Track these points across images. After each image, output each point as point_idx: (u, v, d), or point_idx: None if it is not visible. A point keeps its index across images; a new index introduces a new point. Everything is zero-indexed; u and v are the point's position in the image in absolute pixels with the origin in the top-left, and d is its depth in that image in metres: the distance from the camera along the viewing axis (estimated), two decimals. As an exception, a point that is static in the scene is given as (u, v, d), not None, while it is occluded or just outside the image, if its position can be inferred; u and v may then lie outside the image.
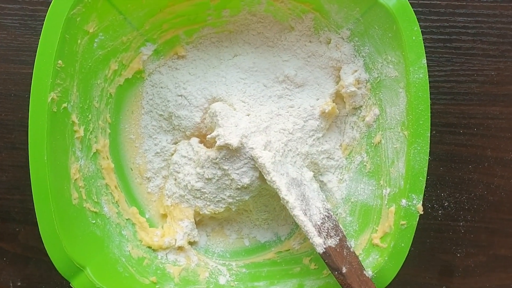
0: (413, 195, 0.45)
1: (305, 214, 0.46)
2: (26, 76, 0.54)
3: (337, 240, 0.46)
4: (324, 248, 0.45)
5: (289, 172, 0.48)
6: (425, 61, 0.45)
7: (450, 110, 0.56)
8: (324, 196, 0.50)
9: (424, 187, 0.45)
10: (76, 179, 0.47)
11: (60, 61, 0.43)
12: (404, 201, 0.45)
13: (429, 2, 0.54)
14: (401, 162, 0.46)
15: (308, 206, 0.47)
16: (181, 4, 0.51)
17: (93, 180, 0.50)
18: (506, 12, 0.55)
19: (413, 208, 0.45)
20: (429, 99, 0.45)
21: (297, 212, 0.46)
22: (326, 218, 0.47)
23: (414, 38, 0.45)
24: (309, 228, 0.45)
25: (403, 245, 0.45)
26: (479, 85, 0.55)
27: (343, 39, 0.51)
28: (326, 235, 0.46)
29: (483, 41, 0.55)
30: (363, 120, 0.52)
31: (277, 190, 0.46)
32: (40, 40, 0.43)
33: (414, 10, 0.45)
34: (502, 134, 0.56)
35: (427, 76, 0.45)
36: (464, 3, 0.54)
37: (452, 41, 0.55)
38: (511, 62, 0.55)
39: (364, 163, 0.51)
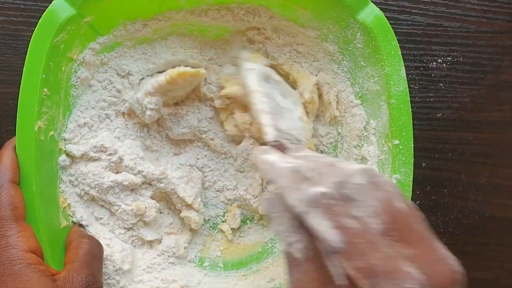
0: None
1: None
2: (5, 95, 0.53)
3: None
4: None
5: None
6: (405, 74, 0.46)
7: (426, 136, 0.57)
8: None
9: (410, 198, 0.46)
10: (64, 207, 0.45)
11: (45, 89, 0.41)
12: None
13: (406, 30, 0.56)
14: (386, 173, 0.47)
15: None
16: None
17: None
18: (478, 42, 0.57)
19: None
20: (411, 110, 0.46)
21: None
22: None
23: (392, 52, 0.46)
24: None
25: None
26: (453, 112, 0.57)
27: (324, 54, 0.51)
28: None
29: (457, 69, 0.57)
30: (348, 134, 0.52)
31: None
32: (24, 68, 0.41)
33: (391, 38, 0.46)
34: (475, 159, 0.58)
35: (407, 89, 0.46)
36: (440, 33, 0.56)
37: (428, 68, 0.57)
38: (484, 89, 0.57)
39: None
